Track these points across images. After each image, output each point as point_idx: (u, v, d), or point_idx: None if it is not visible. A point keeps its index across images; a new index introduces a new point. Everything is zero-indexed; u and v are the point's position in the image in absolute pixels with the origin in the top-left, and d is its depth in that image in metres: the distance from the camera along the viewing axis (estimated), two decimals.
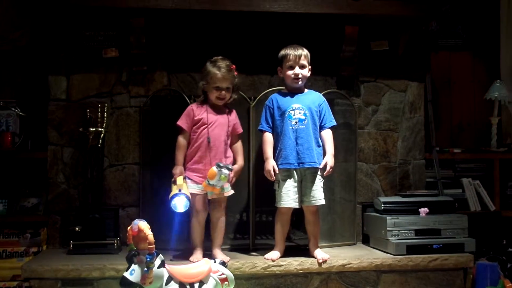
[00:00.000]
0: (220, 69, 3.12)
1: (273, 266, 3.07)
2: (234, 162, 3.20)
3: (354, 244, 3.58)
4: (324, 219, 3.50)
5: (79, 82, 3.54)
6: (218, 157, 3.10)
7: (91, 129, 3.39)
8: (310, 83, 3.67)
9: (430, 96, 4.03)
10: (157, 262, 2.44)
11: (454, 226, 3.33)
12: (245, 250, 3.33)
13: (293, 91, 3.25)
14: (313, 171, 3.14)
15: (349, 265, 3.13)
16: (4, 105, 3.68)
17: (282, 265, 3.07)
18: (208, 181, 3.01)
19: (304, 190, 3.14)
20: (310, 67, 3.25)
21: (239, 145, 3.27)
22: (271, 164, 3.12)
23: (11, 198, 3.65)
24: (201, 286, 2.54)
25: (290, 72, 3.21)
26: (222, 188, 3.05)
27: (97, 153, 3.40)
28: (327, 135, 3.22)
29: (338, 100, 3.72)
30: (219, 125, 3.16)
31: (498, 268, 3.28)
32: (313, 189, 3.12)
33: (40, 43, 3.65)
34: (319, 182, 3.15)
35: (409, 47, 3.82)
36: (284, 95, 3.26)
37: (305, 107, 3.19)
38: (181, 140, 3.16)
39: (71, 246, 3.25)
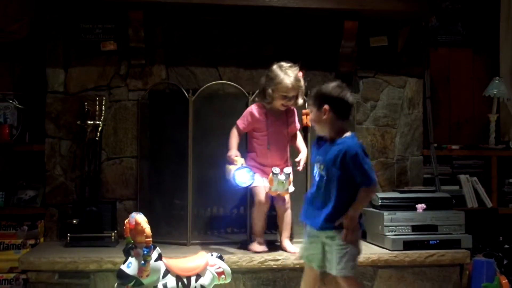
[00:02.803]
0: (290, 79, 3.06)
1: (270, 260, 3.07)
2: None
3: None
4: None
5: (77, 75, 3.53)
6: (277, 161, 3.14)
7: (89, 122, 3.39)
8: (309, 78, 3.67)
9: (429, 92, 4.03)
10: (154, 255, 2.44)
11: (451, 222, 3.33)
12: (243, 244, 3.33)
13: None
14: None
15: None
16: (2, 98, 3.67)
17: (279, 259, 3.07)
18: (270, 188, 3.06)
19: None
20: None
21: (299, 136, 3.28)
22: None
23: (9, 191, 3.64)
24: (198, 280, 2.54)
25: None
26: (287, 189, 3.10)
27: (95, 146, 3.40)
28: None
29: None
30: (278, 128, 3.17)
31: (494, 264, 3.29)
32: None
33: (39, 35, 3.63)
34: None
35: (408, 43, 3.81)
36: None
37: None
38: (235, 131, 3.17)
39: (69, 238, 3.25)
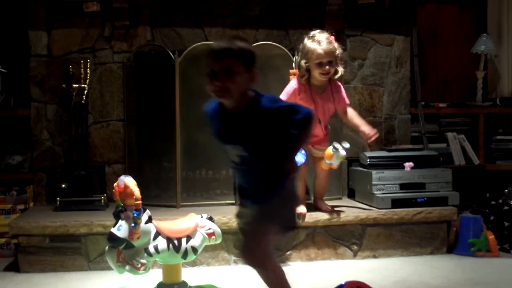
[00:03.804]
0: (320, 44, 2.98)
1: None
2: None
3: (340, 198, 3.61)
4: (311, 174, 3.52)
5: (60, 37, 3.47)
6: (316, 137, 3.11)
7: (74, 85, 3.35)
8: (296, 38, 3.62)
9: (416, 50, 4.01)
10: (144, 217, 2.45)
11: (438, 180, 3.36)
12: (232, 205, 3.35)
13: None
14: None
15: (335, 219, 3.17)
16: None
17: None
18: (325, 161, 3.06)
19: None
20: None
21: (350, 111, 3.19)
22: None
23: None
24: (189, 241, 2.55)
25: None
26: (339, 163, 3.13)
27: (81, 110, 3.38)
28: None
29: None
30: (322, 105, 3.10)
31: (481, 220, 3.33)
32: None
33: None
34: None
35: (395, 0, 3.77)
36: None
37: None
38: None
39: (58, 203, 3.25)
